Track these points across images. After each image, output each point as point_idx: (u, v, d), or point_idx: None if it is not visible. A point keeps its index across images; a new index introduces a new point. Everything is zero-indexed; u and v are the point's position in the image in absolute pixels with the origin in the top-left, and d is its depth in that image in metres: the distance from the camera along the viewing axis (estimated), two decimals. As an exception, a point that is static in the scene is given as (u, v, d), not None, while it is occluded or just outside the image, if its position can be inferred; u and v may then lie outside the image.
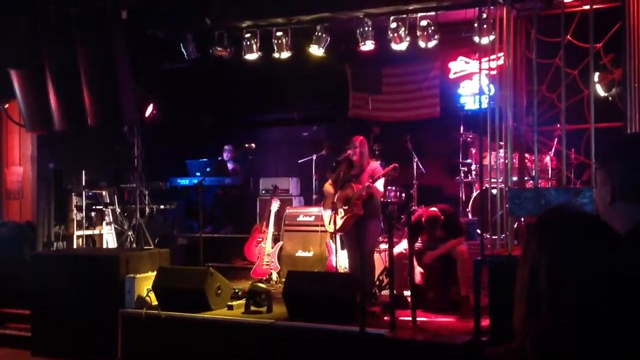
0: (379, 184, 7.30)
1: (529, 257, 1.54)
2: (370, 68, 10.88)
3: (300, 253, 9.11)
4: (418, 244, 7.44)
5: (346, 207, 7.32)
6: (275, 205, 9.13)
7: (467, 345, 5.66)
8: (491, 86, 7.35)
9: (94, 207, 9.63)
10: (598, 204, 1.93)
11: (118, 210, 9.54)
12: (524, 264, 1.56)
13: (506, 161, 6.32)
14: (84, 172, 9.46)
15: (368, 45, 8.49)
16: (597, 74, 7.47)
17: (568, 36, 6.12)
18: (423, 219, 7.39)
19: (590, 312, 1.42)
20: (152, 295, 7.26)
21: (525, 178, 7.54)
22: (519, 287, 1.56)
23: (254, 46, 8.98)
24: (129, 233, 9.22)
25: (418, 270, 7.25)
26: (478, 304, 5.67)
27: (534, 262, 1.51)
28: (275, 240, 9.09)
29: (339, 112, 11.21)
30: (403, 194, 9.35)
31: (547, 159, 8.47)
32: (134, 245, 9.02)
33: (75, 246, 9.39)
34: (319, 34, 8.67)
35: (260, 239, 8.99)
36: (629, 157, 1.86)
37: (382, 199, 7.91)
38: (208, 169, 10.41)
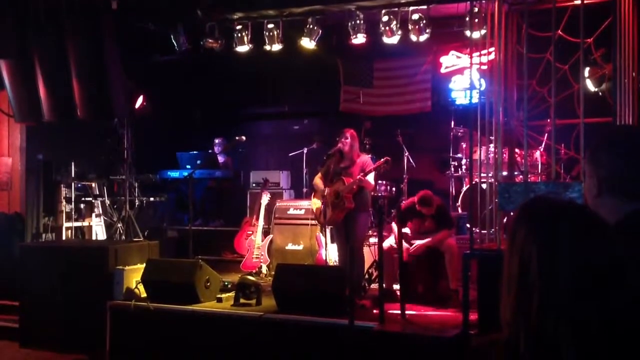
0: (370, 177, 7.30)
1: (516, 248, 1.52)
2: (361, 62, 10.86)
3: (290, 246, 9.11)
4: (406, 232, 7.46)
5: (337, 201, 7.32)
6: (265, 199, 9.13)
7: (455, 339, 5.68)
8: (482, 81, 7.35)
9: (83, 198, 9.61)
10: (586, 196, 1.93)
11: (107, 202, 9.51)
12: (512, 255, 1.53)
13: (496, 156, 6.34)
14: (73, 163, 9.42)
15: (360, 39, 8.48)
16: (587, 69, 7.50)
17: (559, 31, 6.13)
18: (416, 198, 7.40)
19: (582, 305, 1.41)
20: (141, 287, 7.25)
21: (515, 173, 7.56)
22: (506, 279, 1.54)
23: (245, 38, 8.95)
24: (118, 225, 9.20)
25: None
26: (467, 298, 5.70)
27: (523, 254, 1.49)
28: (265, 233, 9.09)
29: (330, 106, 11.20)
30: (393, 188, 9.36)
31: (537, 153, 8.49)
32: (123, 237, 9.01)
33: (64, 238, 9.36)
34: (311, 26, 8.64)
35: (250, 232, 8.98)
36: (616, 150, 1.85)
37: (372, 193, 7.91)
38: (198, 162, 10.38)
